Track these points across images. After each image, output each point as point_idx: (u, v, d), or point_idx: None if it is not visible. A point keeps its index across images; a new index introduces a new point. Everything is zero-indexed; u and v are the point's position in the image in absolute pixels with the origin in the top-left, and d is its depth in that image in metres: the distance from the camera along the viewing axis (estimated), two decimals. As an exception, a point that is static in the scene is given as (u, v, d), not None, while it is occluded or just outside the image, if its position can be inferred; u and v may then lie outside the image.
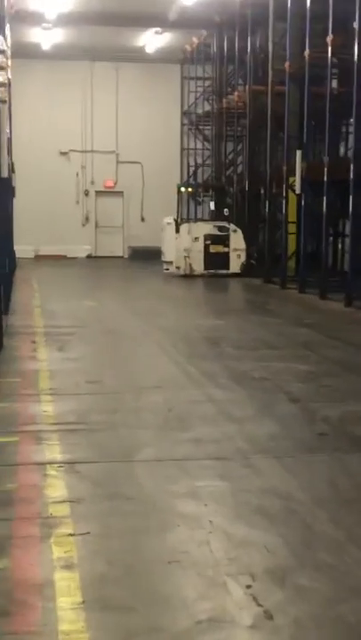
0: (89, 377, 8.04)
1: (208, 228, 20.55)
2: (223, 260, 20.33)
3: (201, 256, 20.25)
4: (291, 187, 17.38)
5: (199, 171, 26.75)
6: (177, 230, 20.33)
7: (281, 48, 19.22)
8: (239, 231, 20.41)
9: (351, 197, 13.97)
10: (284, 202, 17.83)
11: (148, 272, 22.15)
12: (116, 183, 28.58)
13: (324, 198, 15.40)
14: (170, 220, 20.62)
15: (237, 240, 20.34)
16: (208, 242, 20.30)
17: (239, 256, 20.35)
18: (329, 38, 14.83)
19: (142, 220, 28.60)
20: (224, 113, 23.73)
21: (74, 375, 8.10)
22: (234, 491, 4.80)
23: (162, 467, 5.24)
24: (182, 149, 28.58)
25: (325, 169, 15.06)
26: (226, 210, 20.83)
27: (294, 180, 16.85)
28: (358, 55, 13.63)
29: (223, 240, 20.36)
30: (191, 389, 7.45)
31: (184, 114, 28.51)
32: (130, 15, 22.72)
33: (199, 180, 26.53)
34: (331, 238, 18.20)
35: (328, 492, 4.86)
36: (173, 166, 28.43)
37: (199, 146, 27.24)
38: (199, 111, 27.04)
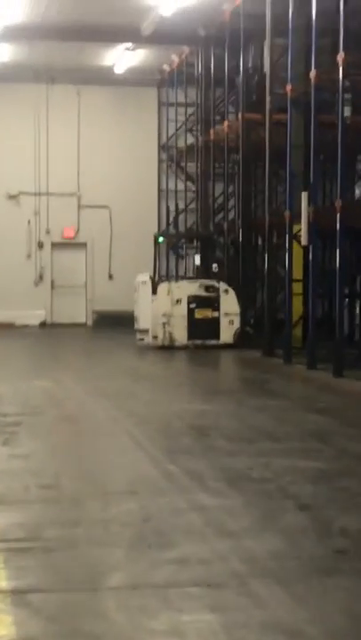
0: (42, 479, 7.95)
1: (193, 287, 20.72)
2: (212, 327, 20.46)
3: (184, 323, 20.38)
4: (295, 236, 17.60)
5: (181, 217, 27.08)
6: (154, 291, 20.47)
7: (281, 68, 19.72)
8: (232, 292, 20.58)
9: (370, 250, 14.16)
10: (287, 255, 18.03)
11: (118, 343, 22.18)
12: (77, 232, 28.86)
13: (337, 251, 15.59)
14: (145, 277, 20.78)
15: (230, 303, 20.49)
16: (193, 305, 20.45)
17: (232, 322, 20.49)
18: (340, 56, 15.23)
19: (110, 278, 28.80)
20: (211, 146, 24.16)
21: (23, 477, 8.03)
22: (228, 626, 4.73)
23: (136, 596, 5.16)
24: (160, 191, 28.97)
25: (338, 214, 15.28)
26: (215, 265, 21.05)
27: (300, 229, 17.07)
28: (375, 77, 13.99)
29: (212, 303, 20.52)
30: (173, 495, 7.39)
31: (162, 148, 28.99)
32: (95, 28, 23.26)
33: (181, 228, 26.85)
34: (346, 300, 18.36)
35: (348, 626, 4.79)
36: (149, 211, 28.77)
37: (181, 187, 27.63)
38: (181, 144, 27.51)
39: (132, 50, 25.07)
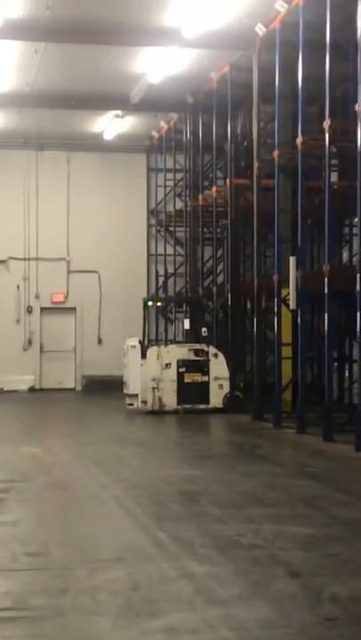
0: (29, 547, 7.91)
1: (182, 352, 20.74)
2: (201, 391, 20.43)
3: (174, 387, 20.35)
4: (284, 301, 17.70)
5: (170, 281, 27.20)
6: (143, 355, 20.47)
7: (268, 135, 20.01)
8: (221, 356, 20.61)
9: (359, 314, 14.23)
10: (275, 319, 18.12)
11: (107, 408, 22.11)
12: (66, 297, 28.92)
13: (326, 315, 15.67)
14: (134, 342, 20.81)
15: (219, 367, 20.51)
16: (182, 369, 20.45)
17: (221, 387, 20.48)
18: (326, 123, 15.47)
19: (100, 342, 28.80)
20: (200, 211, 24.37)
21: (9, 545, 7.97)
22: None
23: (124, 666, 5.11)
24: (149, 255, 29.13)
25: (326, 279, 15.40)
26: (204, 329, 21.11)
27: (288, 293, 17.18)
28: (361, 143, 14.19)
29: (201, 367, 20.53)
30: (161, 562, 7.35)
31: (151, 213, 29.22)
32: (84, 96, 23.60)
33: (170, 292, 26.95)
34: (335, 364, 18.40)
35: None
36: (138, 276, 28.90)
37: (170, 251, 27.81)
38: (170, 209, 27.74)
39: (122, 117, 25.39)
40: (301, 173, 16.63)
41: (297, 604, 6.24)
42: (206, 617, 5.92)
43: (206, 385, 20.47)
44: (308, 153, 16.85)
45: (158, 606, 6.15)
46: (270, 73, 18.17)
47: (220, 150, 22.86)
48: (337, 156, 19.14)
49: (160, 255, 28.20)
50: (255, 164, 19.49)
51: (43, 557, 7.59)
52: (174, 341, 24.01)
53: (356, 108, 14.37)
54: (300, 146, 16.52)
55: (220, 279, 23.62)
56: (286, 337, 18.34)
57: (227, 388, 20.49)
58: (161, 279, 27.47)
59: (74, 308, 28.91)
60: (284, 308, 17.86)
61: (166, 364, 20.40)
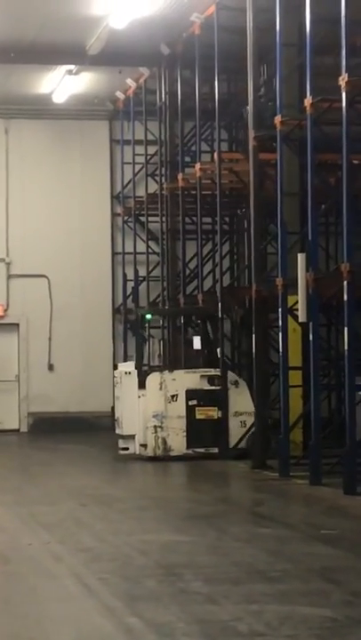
0: None
1: (193, 379, 20.64)
2: (217, 430, 20.31)
3: (182, 425, 20.26)
4: (291, 311, 17.74)
5: (142, 287, 27.19)
6: (141, 384, 20.42)
7: (268, 95, 20.06)
8: (244, 384, 20.46)
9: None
10: (280, 335, 18.14)
11: (62, 455, 22.10)
12: (6, 310, 28.89)
13: (346, 329, 15.69)
14: (129, 367, 20.84)
15: (242, 398, 20.29)
16: (193, 402, 20.40)
17: (244, 424, 20.25)
18: (343, 79, 15.51)
19: (51, 369, 28.73)
20: (180, 195, 24.36)
21: None
22: None
23: None
24: (114, 254, 29.13)
25: (345, 282, 15.41)
26: (218, 350, 20.98)
27: (296, 301, 17.21)
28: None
29: (217, 399, 20.44)
30: (134, 656, 7.36)
31: (116, 198, 29.26)
32: (26, 47, 23.55)
33: (142, 301, 26.91)
34: (359, 394, 18.46)
35: None
36: (101, 281, 28.88)
37: (142, 248, 27.80)
38: (140, 194, 27.77)
39: (76, 73, 25.40)
40: (311, 145, 16.67)
41: None
42: None
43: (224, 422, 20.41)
44: (320, 118, 16.89)
45: None
46: (269, 14, 18.21)
47: (206, 116, 22.90)
48: (357, 122, 19.20)
49: (129, 253, 28.18)
50: (251, 133, 19.52)
51: (-22, 653, 7.58)
52: (149, 365, 23.98)
53: (382, 59, 14.48)
54: (309, 109, 16.56)
55: (207, 284, 23.53)
56: (295, 359, 18.37)
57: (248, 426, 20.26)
58: (130, 284, 27.46)
59: (16, 325, 28.86)
60: (291, 320, 17.89)
61: (172, 396, 20.36)
